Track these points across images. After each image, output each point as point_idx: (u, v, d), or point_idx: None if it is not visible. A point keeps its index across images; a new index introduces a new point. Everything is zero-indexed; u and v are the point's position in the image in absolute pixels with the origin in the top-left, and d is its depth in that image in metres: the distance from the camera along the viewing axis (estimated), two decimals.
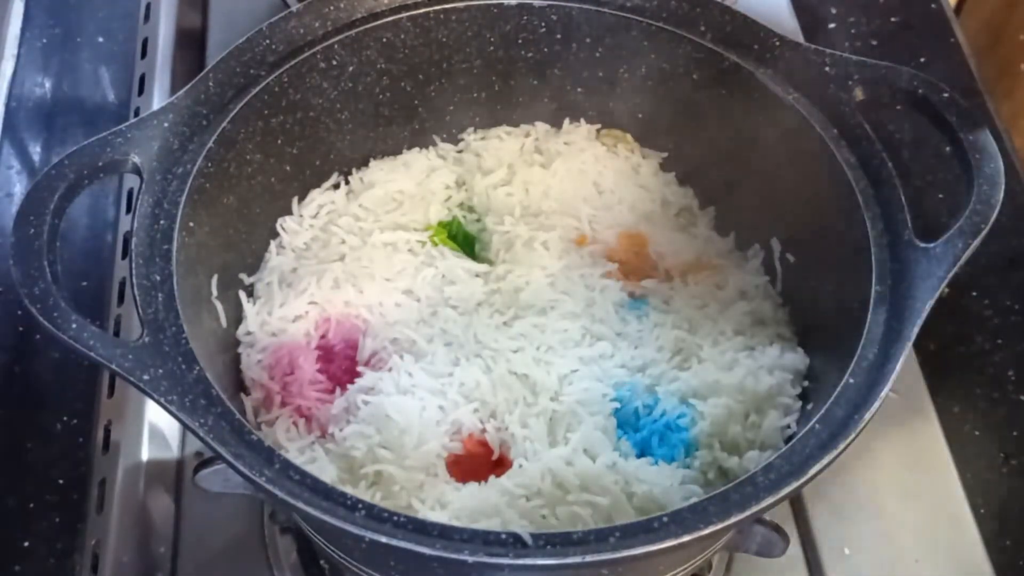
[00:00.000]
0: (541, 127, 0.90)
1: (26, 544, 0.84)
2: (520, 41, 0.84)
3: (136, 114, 1.09)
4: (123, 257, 0.99)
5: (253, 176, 0.78)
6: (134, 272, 0.65)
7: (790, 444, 0.61)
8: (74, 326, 0.60)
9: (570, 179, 0.86)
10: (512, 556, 0.55)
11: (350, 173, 0.87)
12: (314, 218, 0.84)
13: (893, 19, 1.20)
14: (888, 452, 0.88)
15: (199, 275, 0.72)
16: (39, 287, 0.61)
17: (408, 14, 0.80)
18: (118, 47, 1.17)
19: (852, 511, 0.85)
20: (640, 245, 0.85)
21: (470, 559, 0.55)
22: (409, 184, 0.86)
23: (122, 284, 0.97)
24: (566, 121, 0.89)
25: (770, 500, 0.57)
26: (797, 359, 0.75)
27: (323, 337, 0.78)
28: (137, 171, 0.69)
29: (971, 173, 0.67)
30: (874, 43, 1.17)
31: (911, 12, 1.21)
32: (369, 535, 0.55)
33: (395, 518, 0.56)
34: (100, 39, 1.19)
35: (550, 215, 0.85)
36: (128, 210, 1.03)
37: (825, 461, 0.58)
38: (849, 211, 0.70)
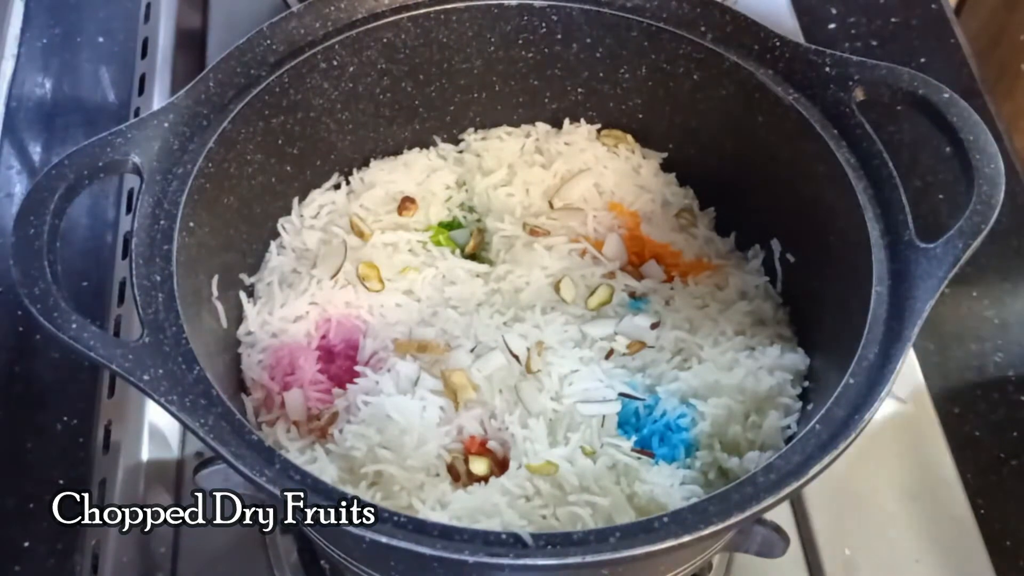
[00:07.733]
0: (541, 127, 0.90)
1: (26, 544, 0.84)
2: (520, 41, 0.84)
3: (136, 114, 1.10)
4: (123, 257, 0.99)
5: (253, 176, 0.78)
6: (134, 272, 0.65)
7: (790, 444, 0.61)
8: (74, 326, 0.60)
9: (570, 179, 0.86)
10: (512, 556, 0.55)
11: (350, 173, 0.87)
12: (315, 218, 0.84)
13: (893, 19, 1.20)
14: (888, 452, 0.88)
15: (199, 275, 0.72)
16: (39, 287, 0.61)
17: (408, 14, 0.80)
18: (118, 47, 1.18)
19: (852, 511, 0.85)
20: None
21: (470, 559, 0.55)
22: (410, 184, 0.86)
23: (122, 284, 0.97)
24: (566, 121, 0.89)
25: (770, 500, 0.57)
26: (797, 359, 0.75)
27: (324, 337, 0.78)
28: (137, 171, 0.69)
29: (971, 173, 0.67)
30: (874, 43, 1.17)
31: (911, 12, 1.21)
32: (369, 535, 0.55)
33: (395, 518, 0.56)
34: (100, 39, 1.19)
35: (551, 215, 0.85)
36: (128, 210, 1.03)
37: (825, 461, 0.58)
38: (849, 211, 0.70)
